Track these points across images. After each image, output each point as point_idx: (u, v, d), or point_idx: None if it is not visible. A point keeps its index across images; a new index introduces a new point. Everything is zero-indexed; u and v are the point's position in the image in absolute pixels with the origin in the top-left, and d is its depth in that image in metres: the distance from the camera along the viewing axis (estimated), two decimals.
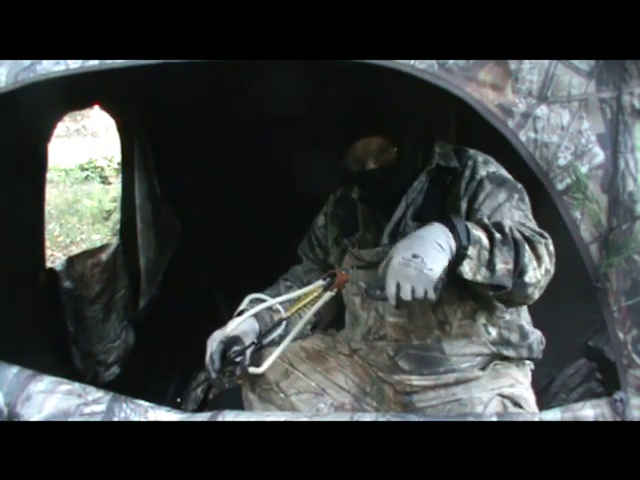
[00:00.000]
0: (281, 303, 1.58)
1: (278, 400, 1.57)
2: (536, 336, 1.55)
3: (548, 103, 0.99)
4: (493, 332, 1.47)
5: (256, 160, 2.62)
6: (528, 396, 1.47)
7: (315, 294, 1.46)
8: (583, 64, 0.98)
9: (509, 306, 1.44)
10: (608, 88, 0.98)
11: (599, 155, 0.98)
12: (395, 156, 1.42)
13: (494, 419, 1.04)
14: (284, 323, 1.60)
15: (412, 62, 1.00)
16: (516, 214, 1.35)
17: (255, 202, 2.67)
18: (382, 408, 1.57)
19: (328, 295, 1.41)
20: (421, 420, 1.05)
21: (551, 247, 1.27)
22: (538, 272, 1.23)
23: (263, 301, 1.61)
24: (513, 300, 1.33)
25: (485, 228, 1.23)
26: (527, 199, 1.41)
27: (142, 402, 1.13)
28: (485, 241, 1.20)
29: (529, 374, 1.55)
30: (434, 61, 1.00)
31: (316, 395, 1.58)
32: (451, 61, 1.00)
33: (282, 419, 1.09)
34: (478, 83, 1.00)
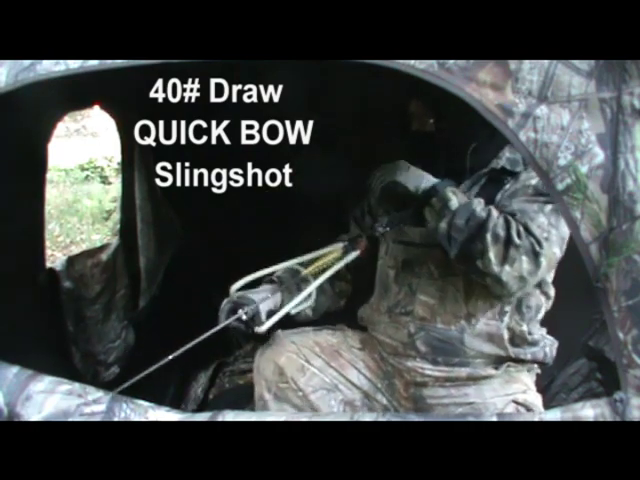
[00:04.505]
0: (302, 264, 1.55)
1: (295, 399, 1.55)
2: (550, 341, 1.56)
3: (548, 103, 0.99)
4: (514, 333, 1.48)
5: (257, 160, 2.62)
6: (538, 402, 1.48)
7: (335, 254, 1.43)
8: (583, 64, 0.98)
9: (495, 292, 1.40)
10: (608, 88, 0.98)
11: (599, 155, 0.98)
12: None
13: (494, 419, 1.04)
14: (313, 295, 1.60)
15: (412, 62, 1.00)
16: (534, 206, 1.35)
17: (256, 202, 2.67)
18: (392, 404, 1.57)
19: (353, 255, 1.38)
20: (421, 420, 1.05)
21: (541, 258, 1.28)
22: (495, 266, 1.28)
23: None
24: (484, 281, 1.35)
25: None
26: (560, 219, 1.29)
27: (142, 402, 1.12)
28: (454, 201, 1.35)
29: (534, 379, 1.56)
30: (434, 61, 1.00)
31: (329, 392, 1.58)
32: (451, 61, 1.00)
33: (282, 419, 1.09)
34: (478, 83, 1.00)
